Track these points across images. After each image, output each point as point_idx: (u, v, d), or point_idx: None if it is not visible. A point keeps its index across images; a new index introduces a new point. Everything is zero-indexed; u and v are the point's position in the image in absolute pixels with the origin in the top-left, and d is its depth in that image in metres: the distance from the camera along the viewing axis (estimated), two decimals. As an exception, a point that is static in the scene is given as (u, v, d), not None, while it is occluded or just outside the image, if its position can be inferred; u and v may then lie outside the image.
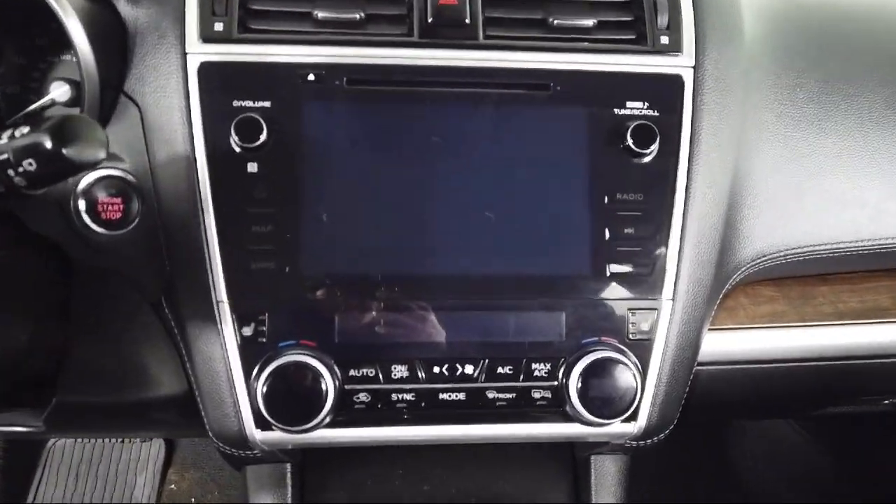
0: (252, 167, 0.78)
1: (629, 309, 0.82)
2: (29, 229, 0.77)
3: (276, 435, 0.81)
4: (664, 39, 0.84)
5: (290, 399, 0.76)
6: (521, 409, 0.83)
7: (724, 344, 0.93)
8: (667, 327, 0.83)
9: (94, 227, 0.76)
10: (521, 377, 0.82)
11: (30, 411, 0.88)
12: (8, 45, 0.83)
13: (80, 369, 0.84)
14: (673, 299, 0.83)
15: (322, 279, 0.79)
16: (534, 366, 0.81)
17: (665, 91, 0.84)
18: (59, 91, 0.80)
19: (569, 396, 0.80)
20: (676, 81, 0.84)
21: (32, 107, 0.81)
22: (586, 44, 0.83)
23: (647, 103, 0.83)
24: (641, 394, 0.82)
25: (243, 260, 0.78)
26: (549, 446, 1.16)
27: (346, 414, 0.80)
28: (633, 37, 0.85)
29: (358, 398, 0.80)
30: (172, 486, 1.83)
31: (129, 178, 0.77)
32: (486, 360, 0.81)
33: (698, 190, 0.83)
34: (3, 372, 0.78)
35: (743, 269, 0.88)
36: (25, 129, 0.56)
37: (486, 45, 0.82)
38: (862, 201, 0.90)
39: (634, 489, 1.14)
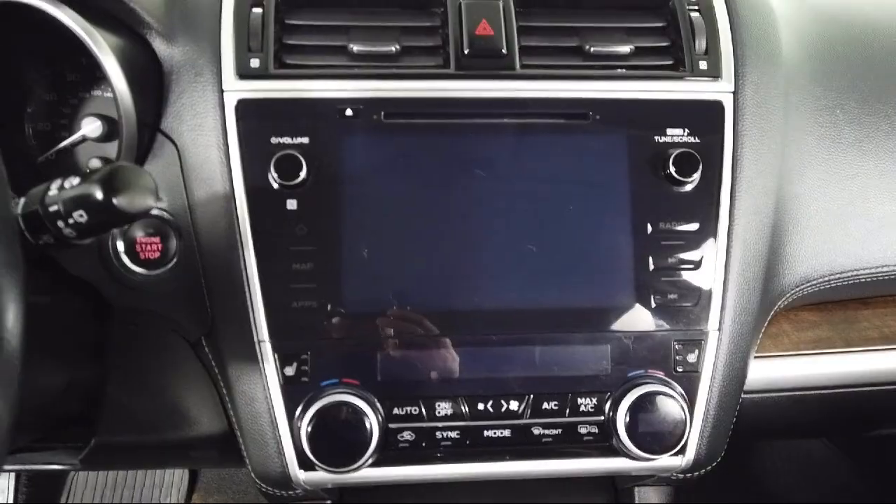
0: (291, 204, 0.77)
1: (675, 340, 0.81)
2: (66, 272, 0.76)
3: (320, 475, 0.79)
4: (703, 65, 0.83)
5: (335, 439, 0.75)
6: (567, 445, 0.81)
7: (769, 371, 0.91)
8: (714, 358, 0.81)
9: (132, 266, 0.76)
10: (567, 412, 0.80)
11: (66, 450, 0.87)
12: (39, 82, 0.83)
13: (117, 410, 0.83)
14: (719, 329, 0.81)
15: (364, 316, 0.78)
16: (580, 400, 0.80)
17: (705, 117, 0.82)
18: (90, 127, 0.80)
19: (616, 431, 0.79)
20: (716, 107, 0.82)
21: (64, 143, 0.81)
22: (623, 71, 0.82)
23: (687, 130, 0.81)
24: (689, 427, 0.80)
25: (285, 298, 0.77)
26: (589, 477, 1.14)
27: (389, 452, 0.79)
28: (670, 62, 0.84)
29: (402, 437, 0.79)
30: (197, 511, 1.82)
31: (167, 216, 0.77)
32: (531, 396, 0.80)
33: (742, 217, 0.81)
34: (40, 413, 0.77)
35: (787, 296, 0.87)
36: (75, 181, 0.55)
37: (523, 74, 0.81)
38: None
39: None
